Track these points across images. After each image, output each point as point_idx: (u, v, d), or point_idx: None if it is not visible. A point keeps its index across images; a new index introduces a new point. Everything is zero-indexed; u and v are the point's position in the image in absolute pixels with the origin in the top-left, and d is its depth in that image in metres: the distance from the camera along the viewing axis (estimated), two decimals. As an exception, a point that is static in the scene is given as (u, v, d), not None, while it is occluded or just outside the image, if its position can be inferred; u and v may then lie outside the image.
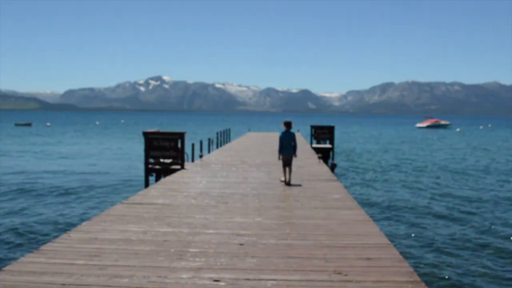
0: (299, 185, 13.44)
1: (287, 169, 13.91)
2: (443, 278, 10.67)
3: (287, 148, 14.02)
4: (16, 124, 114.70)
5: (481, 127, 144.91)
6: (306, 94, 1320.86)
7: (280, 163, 14.36)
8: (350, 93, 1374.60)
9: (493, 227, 15.69)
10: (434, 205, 19.36)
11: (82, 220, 13.19)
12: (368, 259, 6.60)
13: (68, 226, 13.92)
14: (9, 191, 22.06)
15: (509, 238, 14.35)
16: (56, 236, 8.07)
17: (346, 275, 5.94)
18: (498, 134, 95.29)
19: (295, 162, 15.14)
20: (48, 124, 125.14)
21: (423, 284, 5.67)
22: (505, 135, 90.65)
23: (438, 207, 19.05)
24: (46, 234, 14.06)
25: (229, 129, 39.35)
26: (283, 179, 14.15)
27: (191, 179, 14.64)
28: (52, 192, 21.88)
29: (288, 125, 14.16)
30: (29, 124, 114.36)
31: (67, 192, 21.88)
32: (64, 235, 7.76)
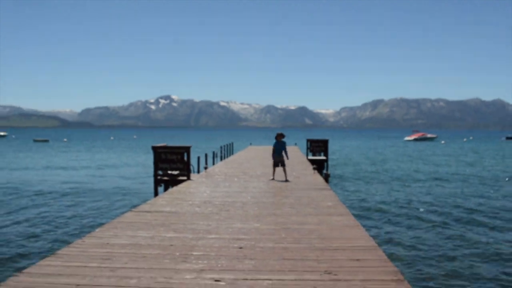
0: (295, 192, 13.47)
1: (282, 168, 16.91)
2: (426, 277, 10.68)
3: (278, 153, 17.00)
4: (35, 140, 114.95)
5: (464, 139, 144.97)
6: (303, 111, 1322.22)
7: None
8: (343, 109, 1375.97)
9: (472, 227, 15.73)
10: (417, 210, 19.36)
11: (95, 226, 13.21)
12: (357, 260, 6.60)
13: (82, 232, 13.95)
14: (27, 199, 22.09)
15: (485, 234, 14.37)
16: (71, 241, 8.08)
17: (336, 274, 5.95)
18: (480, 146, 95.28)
19: (292, 172, 16.93)
20: (65, 140, 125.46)
21: (406, 282, 5.68)
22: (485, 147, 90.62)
23: (422, 212, 19.06)
24: (62, 239, 14.09)
25: (232, 143, 39.44)
26: (271, 178, 17.03)
27: (196, 189, 14.66)
28: (68, 201, 21.91)
29: (279, 136, 17.19)
30: (46, 140, 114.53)
31: (81, 201, 21.91)
32: (79, 240, 7.78)
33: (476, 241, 14.11)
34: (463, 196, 23.98)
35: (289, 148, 19.51)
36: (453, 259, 12.22)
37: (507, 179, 32.37)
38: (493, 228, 16.05)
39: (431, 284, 10.14)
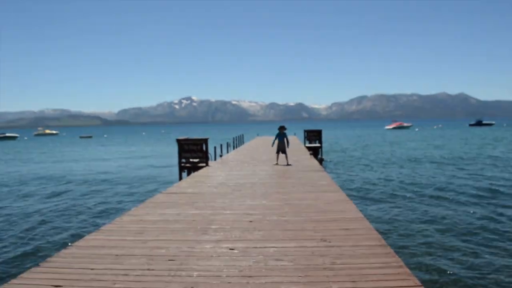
0: (295, 174, 13.41)
1: (284, 155, 16.96)
2: (402, 246, 10.64)
3: (281, 142, 16.88)
4: (80, 137, 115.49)
5: (435, 127, 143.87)
6: (300, 107, 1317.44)
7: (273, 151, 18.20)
8: (334, 104, 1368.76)
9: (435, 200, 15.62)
10: (394, 188, 19.26)
11: (131, 206, 13.24)
12: (347, 229, 6.55)
13: (121, 211, 13.99)
14: (74, 185, 22.20)
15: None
16: (112, 219, 8.09)
17: (330, 241, 5.92)
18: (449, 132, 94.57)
19: (292, 157, 16.97)
20: (105, 136, 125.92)
21: (389, 247, 5.63)
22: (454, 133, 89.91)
23: (398, 189, 18.96)
24: (105, 218, 14.14)
25: (243, 135, 39.35)
26: (275, 163, 16.77)
27: (214, 173, 14.63)
28: (107, 186, 21.99)
29: (281, 128, 17.23)
30: (90, 137, 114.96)
31: (119, 186, 21.98)
32: (118, 218, 7.79)
33: (442, 214, 13.95)
34: (433, 175, 23.77)
35: (289, 137, 19.37)
36: (423, 229, 12.09)
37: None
38: (457, 203, 15.76)
39: (406, 251, 10.05)
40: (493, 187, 18.66)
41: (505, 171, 24.53)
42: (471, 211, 14.10)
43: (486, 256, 9.57)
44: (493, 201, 15.79)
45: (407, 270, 4.75)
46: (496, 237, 11.03)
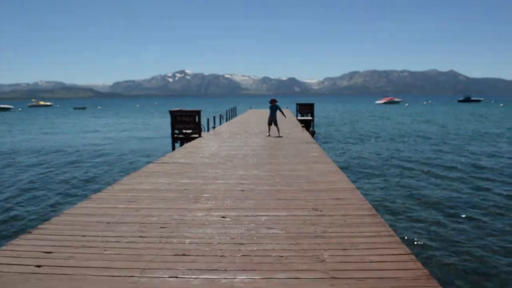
0: (287, 146, 13.30)
1: (275, 127, 16.93)
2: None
3: (272, 114, 17.05)
4: (75, 108, 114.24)
5: (424, 103, 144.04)
6: (293, 81, 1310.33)
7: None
8: (326, 79, 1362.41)
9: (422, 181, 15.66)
10: (384, 161, 19.29)
11: (123, 175, 13.10)
12: (338, 199, 6.49)
13: (112, 180, 13.85)
14: (67, 156, 21.97)
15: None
16: (103, 188, 7.95)
17: (321, 211, 5.85)
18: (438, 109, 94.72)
19: (285, 130, 16.88)
20: (99, 107, 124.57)
21: (379, 216, 5.58)
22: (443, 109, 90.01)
23: (388, 162, 18.99)
24: (96, 186, 14.00)
25: (235, 107, 39.05)
26: (267, 134, 16.90)
27: (206, 144, 14.47)
28: (101, 155, 21.79)
29: (273, 101, 17.20)
30: (84, 108, 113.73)
31: (112, 156, 21.78)
32: (109, 187, 7.66)
33: (428, 188, 14.00)
34: (421, 149, 23.79)
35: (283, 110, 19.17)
36: (409, 202, 12.16)
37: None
38: (443, 177, 15.68)
39: (394, 223, 10.08)
40: (479, 162, 18.75)
41: (491, 146, 24.66)
42: (457, 185, 14.17)
43: (471, 229, 9.64)
44: (478, 175, 15.87)
45: (398, 238, 4.70)
46: (481, 211, 11.08)
